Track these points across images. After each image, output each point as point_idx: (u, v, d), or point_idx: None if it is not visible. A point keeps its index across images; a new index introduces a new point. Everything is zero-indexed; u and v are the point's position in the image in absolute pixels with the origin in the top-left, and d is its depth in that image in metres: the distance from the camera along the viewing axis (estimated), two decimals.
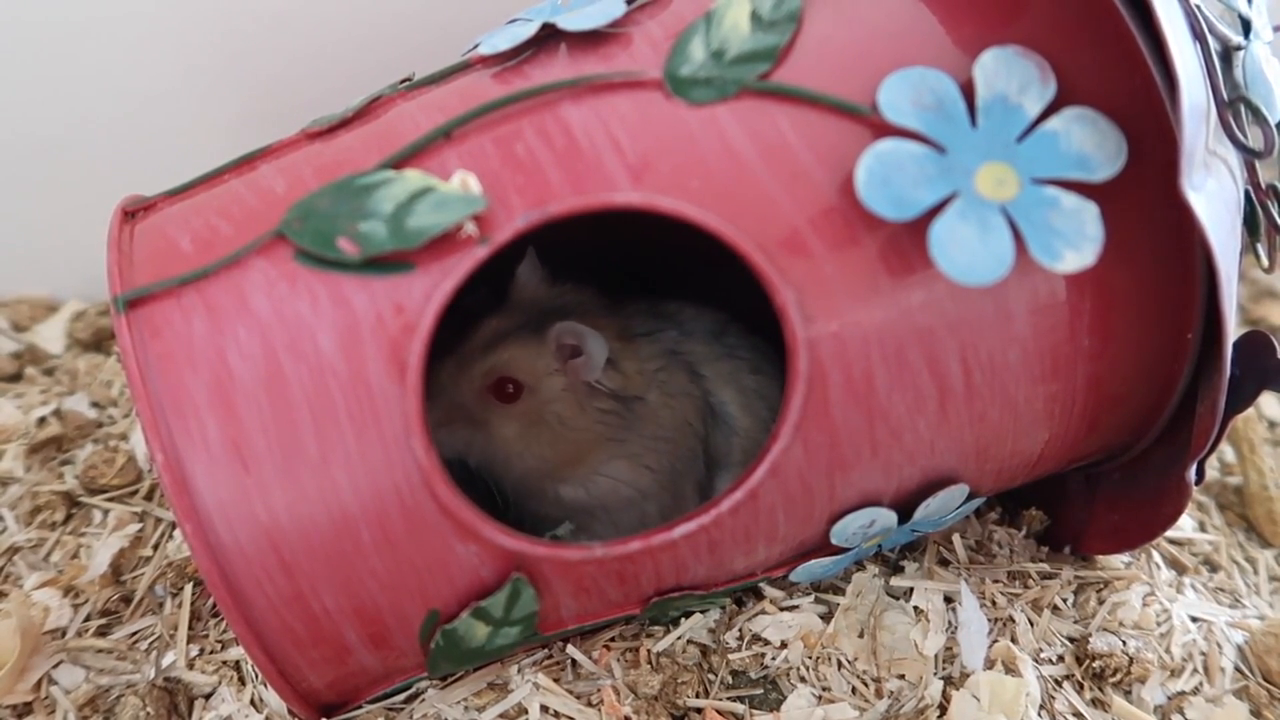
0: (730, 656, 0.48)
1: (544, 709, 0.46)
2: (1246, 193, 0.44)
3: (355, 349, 0.38)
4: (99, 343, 0.73)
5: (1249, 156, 0.41)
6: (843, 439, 0.40)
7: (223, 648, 0.50)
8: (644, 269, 0.55)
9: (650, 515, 0.50)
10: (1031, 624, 0.50)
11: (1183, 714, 0.47)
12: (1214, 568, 0.57)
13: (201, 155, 0.49)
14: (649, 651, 0.48)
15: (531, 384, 0.47)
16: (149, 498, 0.59)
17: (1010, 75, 0.37)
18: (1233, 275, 0.39)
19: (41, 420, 0.65)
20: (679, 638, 0.49)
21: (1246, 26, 0.41)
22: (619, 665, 0.48)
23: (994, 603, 0.51)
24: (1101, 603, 0.51)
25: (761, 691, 0.47)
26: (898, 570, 0.52)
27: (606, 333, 0.47)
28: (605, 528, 0.50)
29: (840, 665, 0.48)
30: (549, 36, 0.42)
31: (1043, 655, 0.49)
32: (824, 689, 0.47)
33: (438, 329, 0.38)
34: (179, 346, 0.39)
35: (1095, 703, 0.47)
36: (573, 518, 0.51)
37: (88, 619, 0.52)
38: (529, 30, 0.42)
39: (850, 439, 0.40)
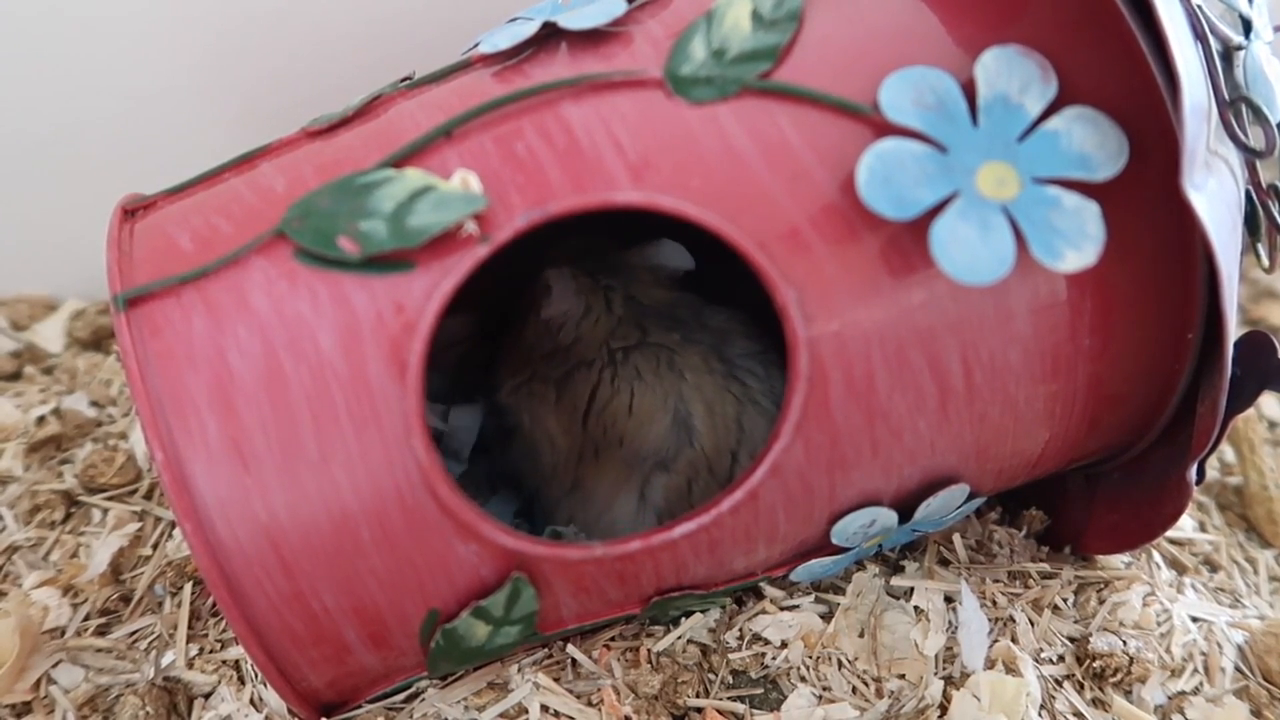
0: (730, 656, 0.48)
1: (544, 708, 0.45)
2: (1247, 192, 0.44)
3: (355, 348, 0.38)
4: (98, 341, 0.73)
5: (1250, 156, 0.41)
6: (843, 438, 0.40)
7: (222, 647, 0.50)
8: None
9: (555, 463, 0.52)
10: (1032, 624, 0.50)
11: (1183, 714, 0.47)
12: (1214, 568, 0.57)
13: (201, 153, 0.49)
14: (649, 651, 0.48)
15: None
16: (148, 497, 0.59)
17: (1011, 75, 0.37)
18: (1234, 275, 0.39)
19: (41, 419, 0.65)
20: (679, 637, 0.49)
21: (1247, 26, 0.41)
22: (619, 665, 0.48)
23: (994, 603, 0.51)
24: (1102, 603, 0.51)
25: (762, 691, 0.47)
26: (898, 570, 0.52)
27: (595, 299, 0.51)
28: (525, 461, 0.54)
29: (840, 665, 0.48)
30: (549, 35, 0.42)
31: (1043, 655, 0.49)
32: (824, 689, 0.47)
33: (439, 327, 0.38)
34: (179, 345, 0.39)
35: (1095, 703, 0.47)
36: (503, 439, 0.55)
37: (87, 618, 0.52)
38: (529, 29, 0.42)
39: (851, 438, 0.40)
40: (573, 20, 0.42)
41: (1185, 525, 0.60)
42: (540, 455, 0.53)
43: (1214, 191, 0.38)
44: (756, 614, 0.49)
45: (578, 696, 0.46)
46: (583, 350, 0.51)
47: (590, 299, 0.51)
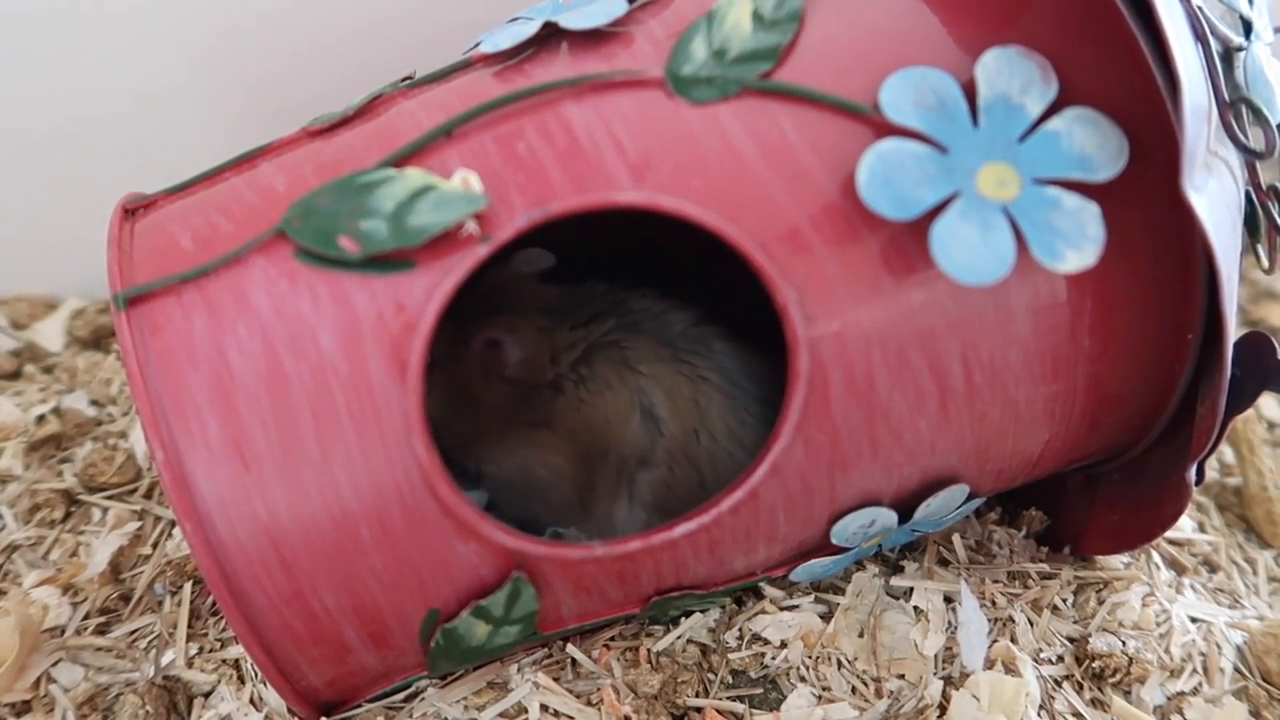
0: (730, 656, 0.48)
1: (544, 708, 0.46)
2: (1247, 193, 0.44)
3: (356, 347, 0.38)
4: (98, 340, 0.73)
5: (1250, 157, 0.41)
6: (843, 438, 0.40)
7: (222, 646, 0.50)
8: (651, 266, 0.55)
9: (569, 496, 0.52)
10: (1031, 624, 0.50)
11: (1182, 714, 0.48)
12: (1213, 568, 0.57)
13: (202, 153, 0.49)
14: (649, 651, 0.48)
15: (443, 362, 0.50)
16: (148, 496, 0.59)
17: (1012, 75, 0.37)
18: (1234, 276, 0.39)
19: (41, 418, 0.65)
20: (679, 637, 0.49)
21: (1248, 27, 0.41)
22: (619, 664, 0.48)
23: (994, 603, 0.51)
24: (1101, 603, 0.51)
25: (761, 691, 0.47)
26: (898, 570, 0.52)
27: (527, 326, 0.50)
28: (539, 506, 0.53)
29: (840, 665, 0.48)
30: (550, 35, 0.42)
31: (1042, 655, 0.49)
32: (824, 689, 0.47)
33: (439, 327, 0.38)
34: (179, 344, 0.39)
35: (1095, 703, 0.47)
36: (505, 497, 0.54)
37: (87, 617, 0.52)
38: (530, 29, 0.42)
39: (851, 438, 0.40)
40: (573, 20, 0.42)
41: (1185, 526, 0.60)
42: (550, 492, 0.52)
43: (1214, 192, 0.38)
44: (756, 614, 0.50)
45: (578, 696, 0.46)
46: (543, 374, 0.50)
47: (518, 324, 0.50)
